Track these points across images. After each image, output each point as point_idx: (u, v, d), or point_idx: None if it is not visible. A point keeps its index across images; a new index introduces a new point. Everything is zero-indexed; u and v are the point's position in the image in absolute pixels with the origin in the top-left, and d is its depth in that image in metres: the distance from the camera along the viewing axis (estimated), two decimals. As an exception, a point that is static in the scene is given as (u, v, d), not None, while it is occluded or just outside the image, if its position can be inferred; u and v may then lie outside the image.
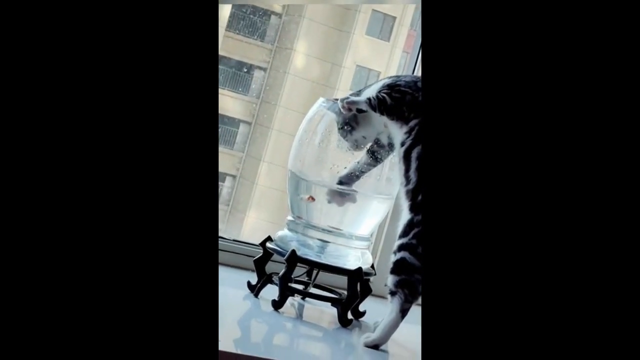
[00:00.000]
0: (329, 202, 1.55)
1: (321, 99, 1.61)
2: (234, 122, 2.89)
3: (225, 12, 2.60)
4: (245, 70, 2.85)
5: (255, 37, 2.81)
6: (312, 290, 1.63)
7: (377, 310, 1.60)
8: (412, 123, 1.46)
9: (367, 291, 1.59)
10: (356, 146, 1.55)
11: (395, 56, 2.97)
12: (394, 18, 2.99)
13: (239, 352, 1.24)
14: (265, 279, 1.58)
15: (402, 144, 1.47)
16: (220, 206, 2.51)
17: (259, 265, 1.60)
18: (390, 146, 1.52)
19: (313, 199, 1.55)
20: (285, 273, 1.51)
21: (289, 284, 1.53)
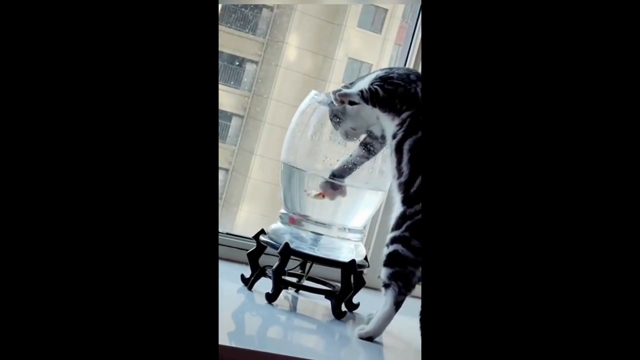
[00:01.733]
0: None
1: (313, 92, 1.61)
2: (226, 116, 2.88)
3: (216, 5, 2.59)
4: (237, 63, 2.85)
5: (247, 30, 2.80)
6: (306, 282, 1.63)
7: (371, 302, 1.60)
8: (404, 115, 1.46)
9: (360, 283, 1.59)
10: (346, 137, 1.54)
11: (387, 48, 2.97)
12: (386, 10, 2.99)
13: (234, 345, 1.25)
14: (258, 272, 1.58)
15: (394, 136, 1.47)
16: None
17: (253, 258, 1.60)
18: (383, 138, 1.52)
19: (324, 195, 1.55)
20: (279, 266, 1.52)
21: (283, 277, 1.53)
